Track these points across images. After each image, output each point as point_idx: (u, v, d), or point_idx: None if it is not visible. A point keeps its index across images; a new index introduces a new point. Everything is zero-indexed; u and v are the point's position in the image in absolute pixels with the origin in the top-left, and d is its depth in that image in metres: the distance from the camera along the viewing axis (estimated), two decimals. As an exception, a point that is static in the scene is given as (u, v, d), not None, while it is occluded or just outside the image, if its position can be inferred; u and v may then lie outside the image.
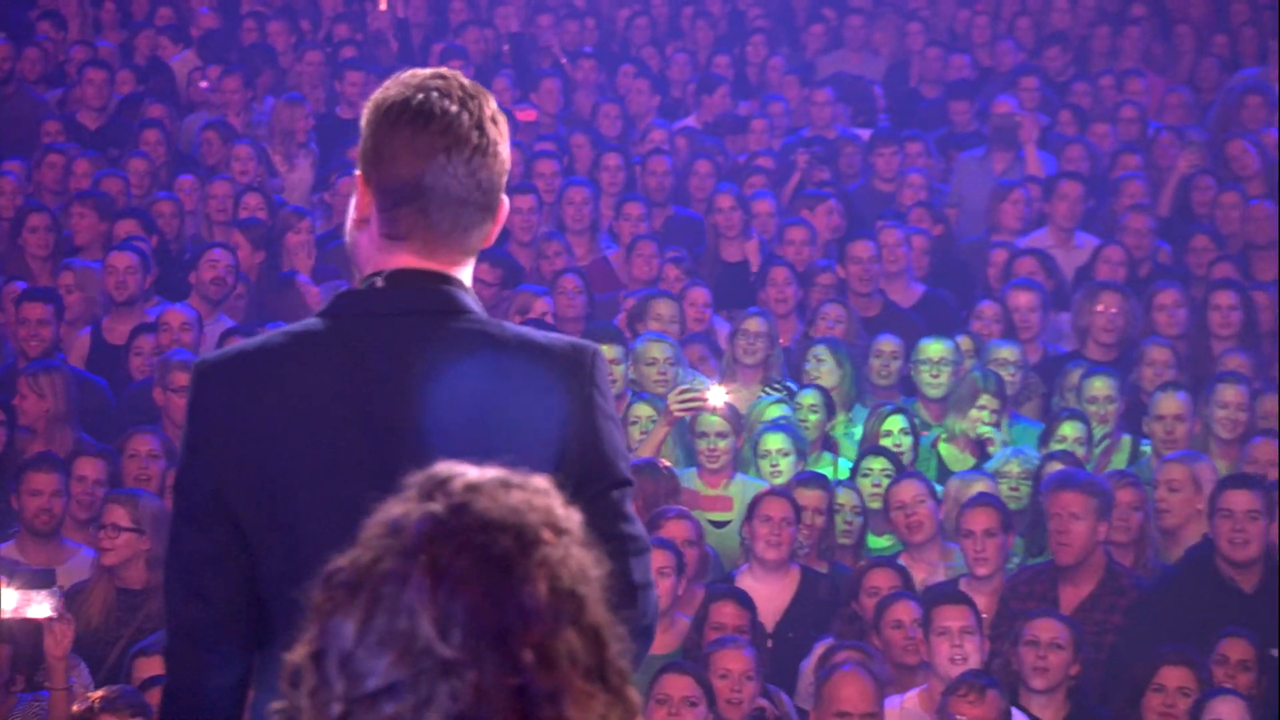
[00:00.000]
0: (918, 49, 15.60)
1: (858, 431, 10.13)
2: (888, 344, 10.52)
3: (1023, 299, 11.09)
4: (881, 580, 8.42)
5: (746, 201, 12.40)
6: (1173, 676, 7.70)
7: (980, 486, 9.04)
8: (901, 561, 8.90)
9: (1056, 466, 9.05)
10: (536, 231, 12.34)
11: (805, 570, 8.88)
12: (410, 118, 3.34)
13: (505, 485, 2.07)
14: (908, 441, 9.66)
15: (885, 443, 9.62)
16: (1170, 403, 9.67)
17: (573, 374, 3.35)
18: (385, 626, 2.00)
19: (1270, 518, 8.48)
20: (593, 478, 3.36)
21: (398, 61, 15.19)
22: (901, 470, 9.34)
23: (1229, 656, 7.91)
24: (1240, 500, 8.42)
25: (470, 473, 2.08)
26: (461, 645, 1.98)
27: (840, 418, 10.21)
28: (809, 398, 10.03)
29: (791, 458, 9.49)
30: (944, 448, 9.98)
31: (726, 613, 8.17)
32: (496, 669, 1.97)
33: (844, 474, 9.68)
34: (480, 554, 2.01)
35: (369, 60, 14.92)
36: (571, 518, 2.08)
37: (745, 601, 8.27)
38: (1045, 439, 9.73)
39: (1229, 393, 9.74)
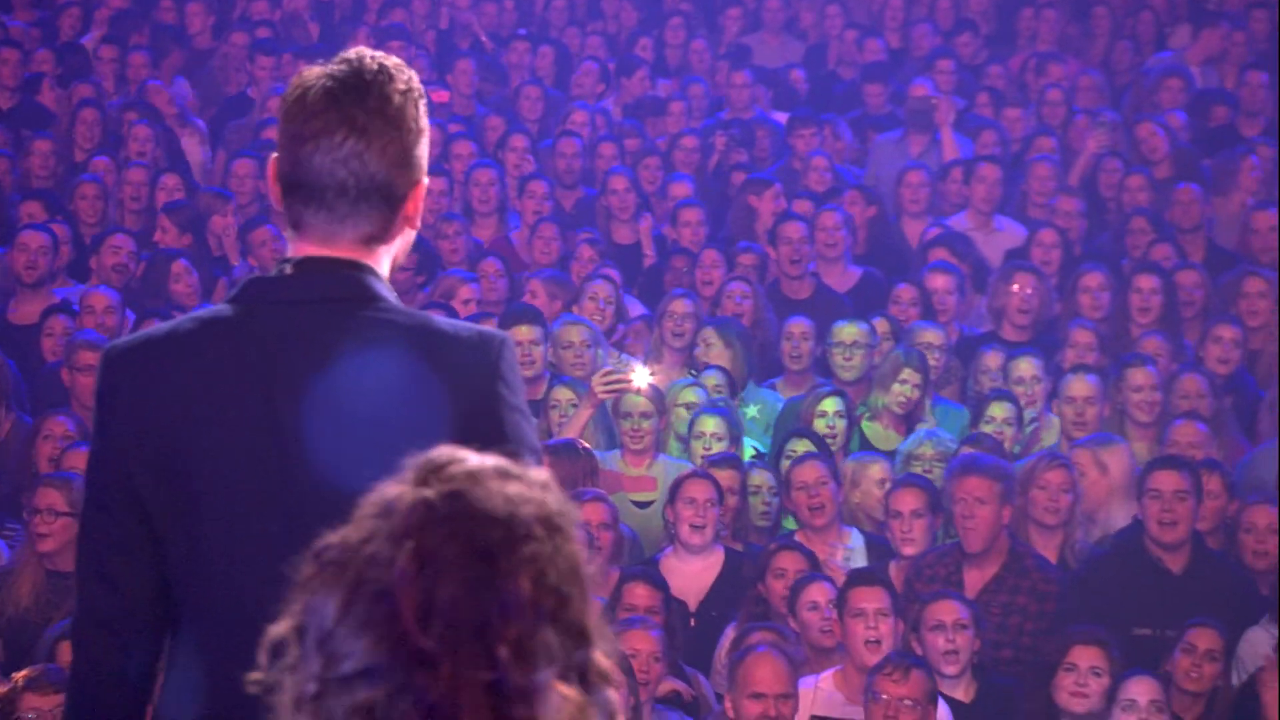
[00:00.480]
0: (835, 32, 15.65)
1: (750, 411, 10.16)
2: (797, 326, 10.55)
3: (939, 281, 11.15)
4: (789, 563, 8.44)
5: (639, 184, 12.45)
6: (1084, 656, 7.75)
7: (877, 468, 9.06)
8: (798, 539, 8.95)
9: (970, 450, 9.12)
10: (440, 214, 12.34)
11: (729, 551, 8.92)
12: (289, 108, 3.36)
13: (503, 475, 2.05)
14: (841, 424, 9.70)
15: (819, 424, 9.65)
16: (1080, 385, 9.72)
17: (478, 364, 3.33)
18: (366, 609, 1.99)
19: (1198, 499, 8.55)
20: None
21: (318, 43, 15.15)
22: (828, 453, 9.39)
23: (1196, 645, 7.95)
24: (1168, 481, 8.49)
25: (470, 459, 2.06)
26: (440, 635, 1.96)
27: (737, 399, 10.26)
28: (712, 379, 10.07)
29: (725, 442, 9.53)
30: (867, 426, 10.01)
31: (638, 594, 8.18)
32: (471, 662, 1.95)
33: (748, 454, 9.71)
34: (468, 544, 1.99)
35: (287, 43, 14.85)
36: (567, 513, 2.07)
37: (657, 582, 8.29)
38: (975, 419, 9.79)
39: (1139, 375, 9.81)
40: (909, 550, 8.69)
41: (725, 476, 9.03)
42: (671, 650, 7.96)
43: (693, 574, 8.78)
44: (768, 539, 9.06)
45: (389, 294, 3.37)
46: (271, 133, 12.67)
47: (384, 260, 3.39)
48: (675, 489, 8.89)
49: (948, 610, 7.95)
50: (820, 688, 7.93)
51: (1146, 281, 10.87)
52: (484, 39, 15.12)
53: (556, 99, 14.55)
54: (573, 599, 2.02)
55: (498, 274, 11.32)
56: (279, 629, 2.04)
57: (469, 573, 1.98)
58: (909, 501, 8.69)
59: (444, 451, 2.08)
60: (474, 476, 2.04)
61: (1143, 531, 8.55)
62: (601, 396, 9.42)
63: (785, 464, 9.28)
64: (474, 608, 1.97)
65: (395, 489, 2.05)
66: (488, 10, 16.08)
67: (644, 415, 9.50)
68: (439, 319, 3.39)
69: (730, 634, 8.46)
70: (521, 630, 1.97)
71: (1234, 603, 8.37)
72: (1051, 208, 12.22)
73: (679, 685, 7.96)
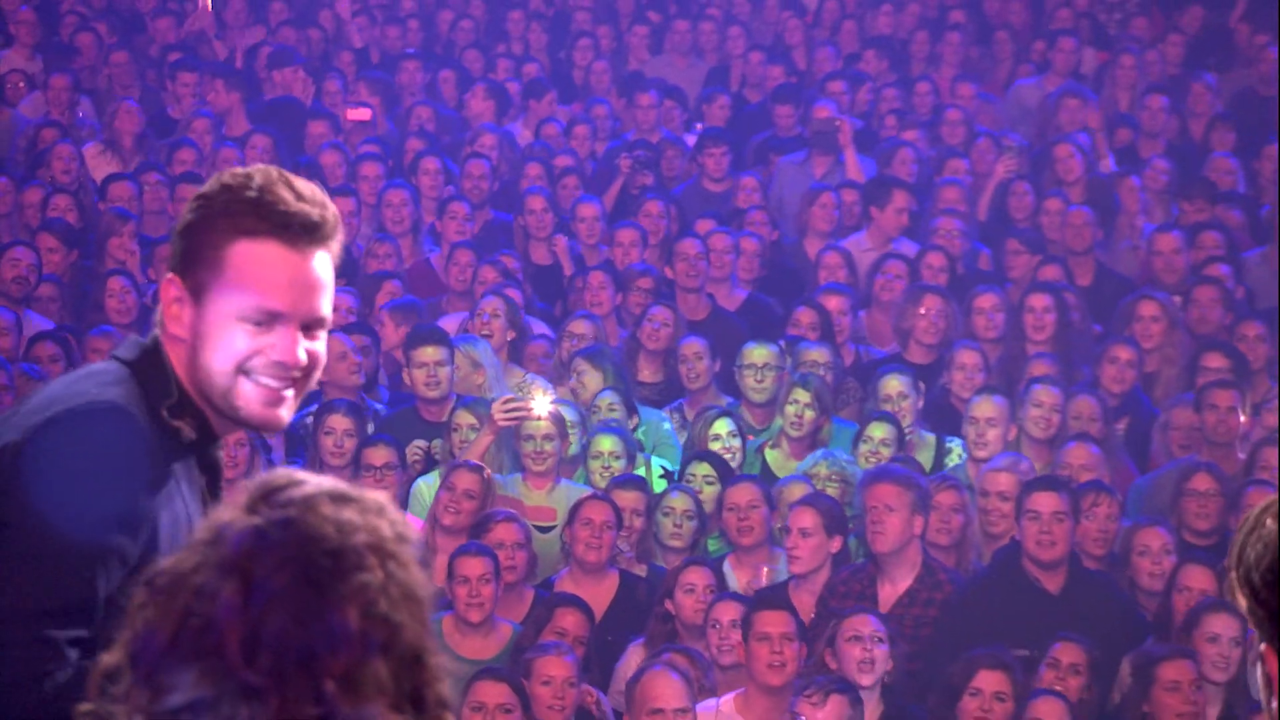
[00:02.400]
0: (739, 53, 15.71)
1: (637, 433, 10.21)
2: (691, 346, 10.58)
3: (833, 302, 11.23)
4: (698, 578, 8.49)
5: (557, 204, 12.48)
6: (989, 680, 7.83)
7: (800, 489, 9.15)
8: (727, 564, 8.98)
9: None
10: (356, 234, 12.32)
11: (624, 574, 8.98)
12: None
13: (337, 500, 2.03)
14: (736, 444, 9.75)
15: (714, 446, 9.70)
16: (986, 406, 9.80)
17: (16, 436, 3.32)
18: (193, 640, 1.96)
19: (1075, 519, 8.65)
20: None
21: (224, 61, 15.12)
22: (730, 474, 9.42)
23: (1060, 660, 8.04)
24: (1047, 502, 8.58)
25: (305, 484, 2.04)
26: (267, 668, 1.94)
27: (633, 419, 10.28)
28: (606, 400, 10.10)
29: (622, 461, 9.56)
30: (770, 454, 10.04)
31: (569, 621, 8.26)
32: (299, 695, 1.94)
33: (656, 473, 9.76)
34: (297, 574, 1.97)
35: (194, 60, 14.82)
36: (404, 538, 2.04)
37: (587, 610, 8.36)
38: (856, 440, 9.88)
39: (1044, 394, 9.88)
40: (795, 569, 8.78)
41: (629, 498, 9.07)
42: (581, 675, 8.00)
43: (588, 597, 8.79)
44: (677, 559, 9.06)
45: (107, 365, 3.42)
46: (185, 154, 12.68)
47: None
48: (574, 511, 8.95)
49: (864, 623, 8.04)
50: (722, 710, 7.98)
51: (1039, 300, 10.94)
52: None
53: (452, 120, 14.55)
54: (404, 627, 2.00)
55: (394, 294, 11.29)
56: (110, 658, 2.01)
57: (297, 603, 1.96)
58: (801, 519, 8.76)
59: (279, 475, 2.06)
60: (307, 503, 2.01)
61: (1020, 552, 8.64)
62: (501, 424, 9.43)
63: (705, 488, 9.31)
64: (301, 639, 1.95)
65: (228, 514, 2.02)
66: (390, 32, 16.06)
67: (546, 438, 9.52)
68: (56, 388, 3.40)
69: (633, 652, 8.50)
70: (349, 662, 1.95)
71: (1112, 623, 8.47)
72: (933, 228, 12.31)
73: (590, 692, 8.00)
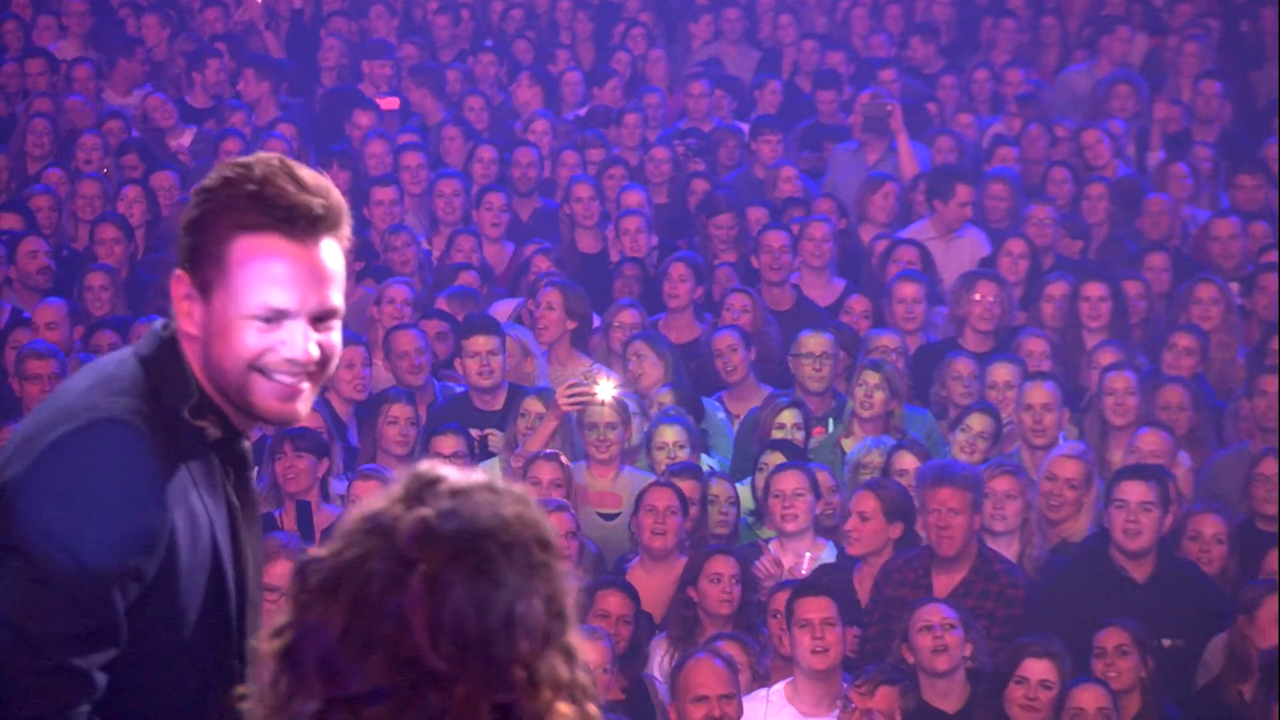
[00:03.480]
0: (790, 41, 15.77)
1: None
2: (724, 339, 10.56)
3: (907, 290, 11.21)
4: (722, 568, 8.54)
5: (602, 192, 12.53)
6: (1035, 669, 7.88)
7: (869, 499, 9.00)
8: (772, 548, 9.05)
9: (906, 457, 9.27)
10: (398, 223, 12.40)
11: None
12: None
13: (491, 491, 2.09)
14: (800, 435, 9.77)
15: (778, 434, 9.72)
16: (1039, 392, 9.83)
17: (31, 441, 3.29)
18: (371, 629, 2.01)
19: (1164, 509, 8.67)
20: None
21: (285, 50, 15.25)
22: (805, 463, 9.44)
23: (1105, 648, 8.08)
24: (1135, 491, 8.62)
25: (453, 475, 2.09)
26: (450, 655, 2.00)
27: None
28: (669, 395, 10.11)
29: (686, 450, 9.61)
30: (847, 442, 10.04)
31: (613, 602, 8.31)
32: (484, 684, 2.01)
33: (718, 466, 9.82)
34: (473, 564, 2.03)
35: (241, 50, 14.96)
36: (553, 530, 2.11)
37: (630, 591, 8.42)
38: (953, 428, 9.89)
39: (1119, 381, 9.93)
40: (853, 550, 8.86)
41: (686, 487, 9.12)
42: (619, 660, 8.07)
43: (656, 585, 8.89)
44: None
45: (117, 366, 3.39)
46: (231, 144, 12.82)
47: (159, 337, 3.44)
48: (639, 499, 9.00)
49: (933, 613, 8.09)
50: (771, 700, 8.05)
51: (1095, 289, 11.00)
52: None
53: (503, 111, 14.62)
54: (568, 619, 2.08)
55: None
56: (266, 645, 2.06)
57: (476, 593, 2.03)
58: (861, 504, 8.86)
59: (426, 468, 2.12)
60: (464, 493, 2.08)
61: (1108, 541, 8.69)
62: (565, 408, 9.51)
63: (761, 475, 9.36)
64: (482, 628, 2.02)
65: (384, 505, 2.07)
66: (440, 22, 16.14)
67: (609, 426, 9.58)
68: (73, 387, 3.36)
69: (656, 646, 8.59)
70: (532, 652, 2.03)
71: (1199, 611, 8.53)
72: (1024, 216, 12.32)
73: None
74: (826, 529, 9.29)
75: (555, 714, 2.03)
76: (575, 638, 2.08)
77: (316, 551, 2.08)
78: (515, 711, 2.01)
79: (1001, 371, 10.25)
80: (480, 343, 10.08)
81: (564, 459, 9.29)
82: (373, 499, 2.09)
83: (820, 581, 8.39)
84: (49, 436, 3.24)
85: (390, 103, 14.23)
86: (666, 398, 10.08)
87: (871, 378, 9.97)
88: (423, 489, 2.09)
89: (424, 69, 14.79)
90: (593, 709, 2.09)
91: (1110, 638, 8.10)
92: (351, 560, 2.05)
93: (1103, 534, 8.77)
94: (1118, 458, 9.62)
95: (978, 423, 9.80)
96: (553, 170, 13.45)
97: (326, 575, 2.06)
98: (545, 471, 9.17)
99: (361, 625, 2.01)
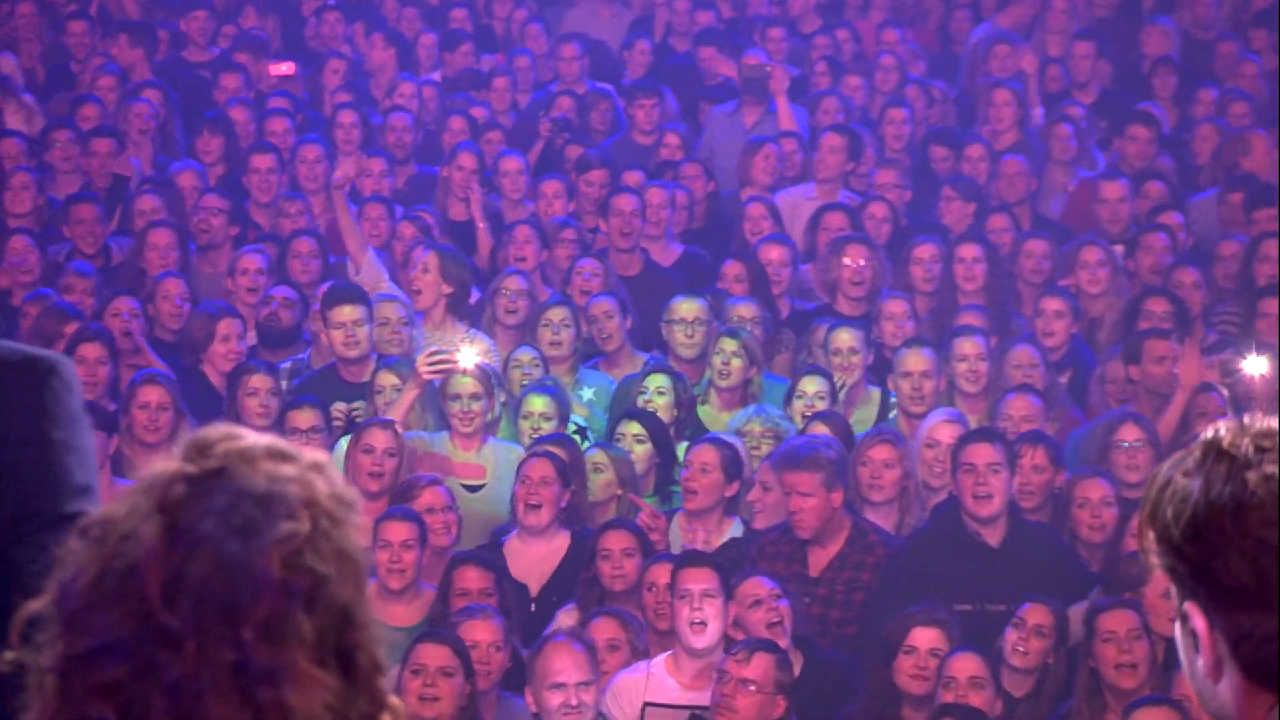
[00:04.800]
0: (664, 0, 15.69)
1: (585, 394, 10.23)
2: (600, 305, 10.53)
3: (773, 253, 11.24)
4: (614, 542, 8.50)
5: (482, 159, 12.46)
6: (924, 637, 7.89)
7: (709, 452, 9.00)
8: (676, 522, 9.00)
9: (820, 428, 9.22)
10: (276, 192, 12.29)
11: (575, 534, 8.94)
12: None
13: (275, 456, 2.05)
14: (662, 401, 9.72)
15: (640, 400, 9.68)
16: (915, 359, 9.82)
17: (17, 392, 3.12)
18: (116, 584, 1.97)
19: (1011, 470, 8.68)
20: (26, 513, 3.05)
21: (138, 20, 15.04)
22: (663, 433, 9.42)
23: (1026, 620, 8.05)
24: (981, 454, 8.61)
25: (244, 438, 2.05)
26: (186, 614, 1.95)
27: (568, 378, 10.30)
28: (525, 356, 10.12)
29: (554, 422, 9.56)
30: (701, 409, 10.05)
31: (470, 577, 8.24)
32: (216, 642, 1.95)
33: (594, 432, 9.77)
34: (223, 521, 1.99)
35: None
36: (341, 498, 2.06)
37: (490, 565, 8.34)
38: (789, 396, 9.91)
39: (966, 345, 9.93)
40: (759, 524, 8.87)
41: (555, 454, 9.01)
42: (512, 635, 8.01)
43: (536, 557, 8.84)
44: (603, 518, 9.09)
45: None
46: (89, 109, 12.64)
47: None
48: (518, 470, 8.95)
49: (757, 586, 8.06)
50: (652, 672, 8.01)
51: (969, 251, 11.01)
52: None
53: (362, 71, 14.50)
54: (332, 582, 2.01)
55: (311, 254, 11.28)
56: (35, 605, 2.03)
57: (221, 550, 1.98)
58: (766, 474, 8.85)
59: (219, 428, 2.08)
60: (243, 454, 2.04)
61: (959, 506, 8.68)
62: (426, 377, 9.42)
63: (636, 447, 9.33)
64: (224, 586, 1.97)
65: (163, 464, 2.05)
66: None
67: (473, 397, 9.51)
68: None
69: (562, 617, 8.53)
70: (270, 611, 1.97)
71: (1055, 576, 8.52)
72: (869, 180, 12.34)
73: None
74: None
75: (298, 673, 1.97)
76: (357, 606, 2.03)
77: (97, 512, 2.05)
78: (251, 670, 1.96)
79: (843, 337, 10.23)
80: (345, 312, 9.99)
81: (399, 426, 9.18)
82: (162, 459, 2.07)
83: (701, 553, 8.34)
84: (38, 360, 3.13)
85: (283, 68, 14.04)
86: (526, 358, 10.05)
87: (729, 345, 9.95)
88: (201, 449, 2.05)
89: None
90: (380, 684, 2.04)
91: (1034, 614, 8.08)
92: (117, 517, 2.02)
93: (953, 500, 8.77)
94: (972, 424, 9.56)
95: (810, 385, 9.81)
96: (423, 135, 13.34)
97: (94, 534, 2.03)
98: (379, 439, 9.06)
99: (108, 580, 1.99)
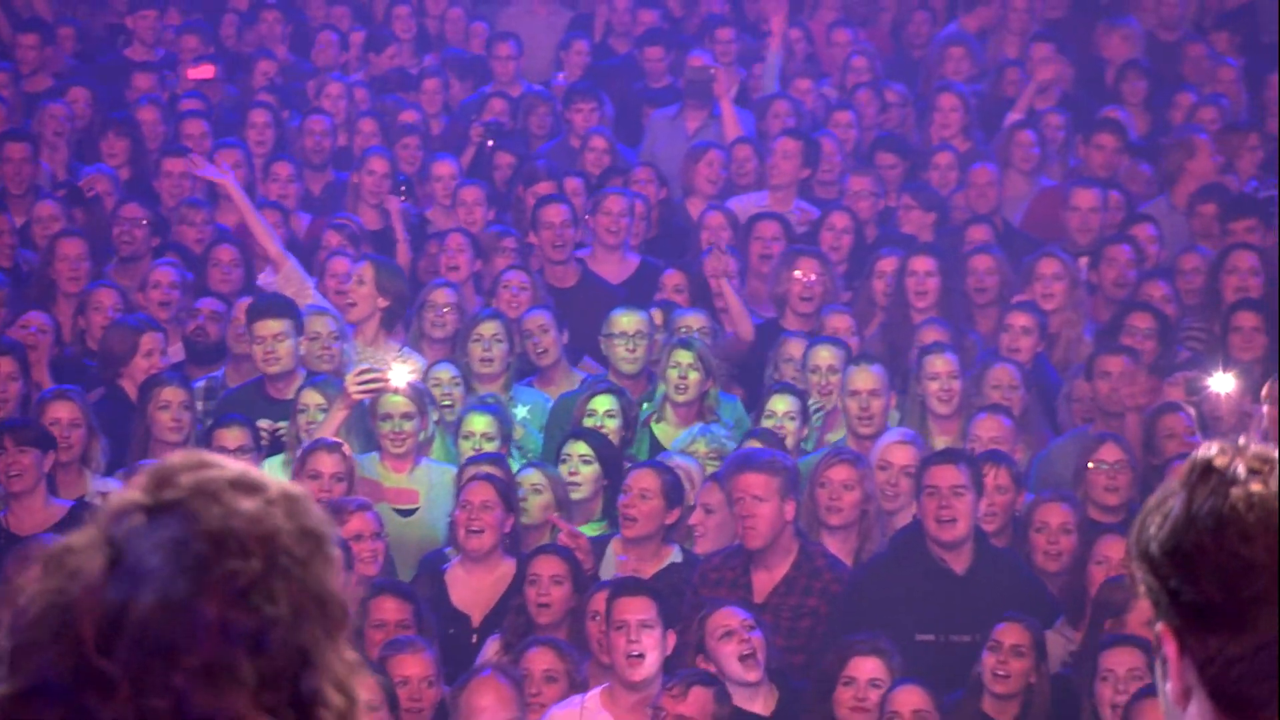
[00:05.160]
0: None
1: (520, 411, 10.16)
2: (535, 319, 10.49)
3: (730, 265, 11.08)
4: (543, 568, 8.42)
5: (396, 164, 12.39)
6: (863, 668, 7.84)
7: (649, 477, 8.90)
8: (610, 548, 8.96)
9: (757, 445, 9.15)
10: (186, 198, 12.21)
11: (521, 560, 8.82)
12: None
13: (239, 487, 2.00)
14: (613, 424, 9.66)
15: (588, 423, 9.61)
16: (863, 376, 9.75)
17: None
18: (56, 620, 1.94)
19: (977, 493, 8.60)
20: None
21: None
22: (611, 454, 9.37)
23: (1003, 642, 8.00)
24: (945, 475, 8.53)
25: (211, 468, 2.01)
26: (124, 656, 1.91)
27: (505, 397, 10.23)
28: (444, 373, 10.05)
29: (496, 442, 9.50)
30: (657, 427, 9.99)
31: (387, 608, 8.15)
32: (150, 687, 1.91)
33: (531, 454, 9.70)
34: (172, 559, 1.94)
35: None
36: (308, 533, 2.01)
37: (408, 594, 8.26)
38: (757, 415, 9.84)
39: (938, 363, 9.89)
40: (700, 548, 8.82)
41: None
42: (444, 669, 7.95)
43: (479, 586, 8.79)
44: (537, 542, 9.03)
45: None
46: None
47: None
48: (457, 494, 8.89)
49: (730, 617, 7.97)
50: (586, 706, 7.93)
51: (921, 264, 10.97)
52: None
53: (295, 72, 14.43)
54: (283, 624, 1.97)
55: (232, 262, 11.18)
56: None
57: (167, 590, 1.94)
58: (708, 496, 8.79)
59: (184, 457, 2.03)
60: (204, 486, 1.99)
61: (922, 531, 8.63)
62: (356, 396, 9.34)
63: (564, 468, 9.26)
64: (164, 628, 1.93)
65: (123, 493, 2.00)
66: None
67: (405, 416, 9.46)
68: None
69: (490, 647, 8.47)
70: (210, 655, 1.93)
71: (1022, 604, 8.43)
72: (844, 188, 12.29)
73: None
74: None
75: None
76: (316, 647, 1.98)
77: (59, 538, 2.02)
78: (187, 715, 1.92)
79: (823, 354, 10.15)
80: (268, 326, 9.91)
81: (346, 449, 9.12)
82: (127, 486, 2.02)
83: (638, 581, 8.28)
84: None
85: (203, 71, 13.96)
86: (445, 375, 10.01)
87: (684, 357, 9.89)
88: (162, 479, 2.01)
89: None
90: None
91: (1009, 634, 8.03)
92: (75, 544, 1.99)
93: (916, 524, 8.70)
94: (940, 445, 9.54)
95: (781, 404, 9.73)
96: (349, 139, 13.31)
97: (48, 562, 1.99)
98: (326, 463, 9.00)
99: (49, 615, 1.95)
